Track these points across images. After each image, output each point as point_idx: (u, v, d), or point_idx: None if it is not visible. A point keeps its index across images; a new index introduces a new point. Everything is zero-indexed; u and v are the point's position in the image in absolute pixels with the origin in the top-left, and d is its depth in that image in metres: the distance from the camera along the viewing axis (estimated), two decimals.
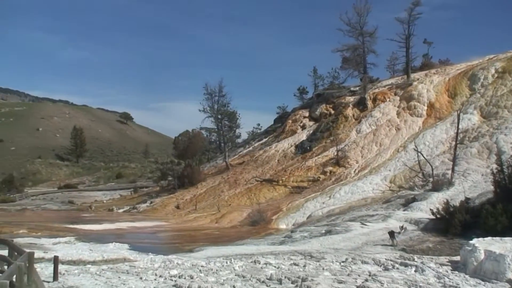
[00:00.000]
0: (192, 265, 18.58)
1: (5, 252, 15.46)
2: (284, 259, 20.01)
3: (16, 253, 13.13)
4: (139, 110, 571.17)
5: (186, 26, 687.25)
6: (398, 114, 57.95)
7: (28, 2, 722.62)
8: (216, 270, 17.27)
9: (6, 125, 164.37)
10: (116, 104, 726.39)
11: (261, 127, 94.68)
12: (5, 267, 14.23)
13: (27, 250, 11.94)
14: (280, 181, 53.03)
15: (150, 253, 23.14)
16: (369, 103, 62.39)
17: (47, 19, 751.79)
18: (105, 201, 72.32)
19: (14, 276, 9.42)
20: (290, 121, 70.11)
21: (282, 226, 38.65)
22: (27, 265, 10.15)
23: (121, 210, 57.99)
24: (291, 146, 62.62)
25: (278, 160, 60.36)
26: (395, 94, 62.25)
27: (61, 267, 16.81)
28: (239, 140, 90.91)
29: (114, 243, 27.26)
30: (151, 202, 59.24)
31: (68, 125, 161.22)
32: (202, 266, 18.32)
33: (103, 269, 17.77)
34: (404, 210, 32.48)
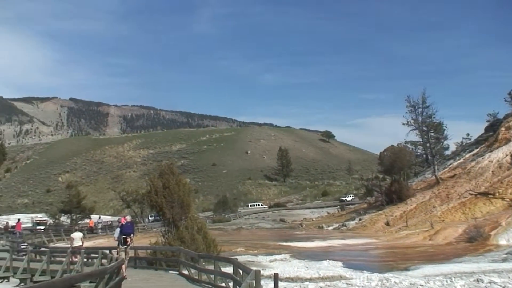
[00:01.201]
0: (411, 284, 17.96)
1: (229, 270, 16.27)
2: (509, 277, 18.54)
3: (241, 271, 13.68)
4: (340, 128, 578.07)
5: (379, 39, 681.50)
6: None
7: (226, 33, 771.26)
8: None
9: (218, 150, 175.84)
10: (317, 124, 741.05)
11: (471, 137, 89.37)
12: (230, 284, 14.95)
13: (253, 268, 12.39)
14: (497, 194, 49.55)
15: (364, 271, 22.86)
16: None
17: (246, 47, 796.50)
18: (314, 219, 73.54)
19: None
20: (503, 129, 65.24)
21: (502, 242, 35.98)
22: (254, 282, 10.50)
23: (330, 228, 58.44)
24: (506, 155, 58.19)
25: (492, 171, 56.43)
26: None
27: (280, 284, 17.21)
28: (447, 152, 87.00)
29: (328, 260, 27.42)
30: (359, 219, 58.86)
31: (274, 146, 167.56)
32: (421, 285, 17.62)
33: (320, 287, 17.90)
34: None
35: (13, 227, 53.99)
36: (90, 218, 66.76)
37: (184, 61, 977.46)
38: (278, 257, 29.76)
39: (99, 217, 68.10)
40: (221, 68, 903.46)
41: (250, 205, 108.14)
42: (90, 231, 56.51)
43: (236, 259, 17.17)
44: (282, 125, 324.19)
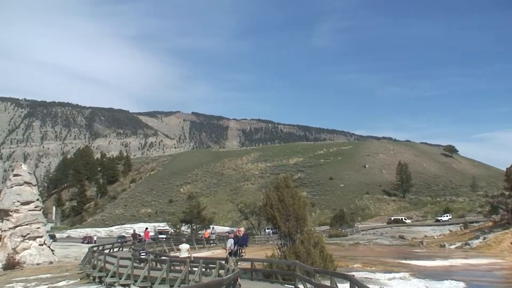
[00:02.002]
0: None
1: (345, 286, 15.97)
2: None
3: None
4: (463, 142, 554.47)
5: (506, 50, 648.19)
6: None
7: (345, 46, 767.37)
8: None
9: (335, 163, 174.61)
10: (438, 138, 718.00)
11: None
12: None
13: (370, 286, 12.07)
14: None
15: None
16: None
17: (365, 60, 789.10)
18: (435, 237, 70.93)
19: None
20: None
21: None
22: None
23: (452, 246, 56.00)
24: None
25: None
26: None
27: None
28: None
29: (449, 280, 26.18)
30: (484, 238, 55.90)
31: (393, 161, 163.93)
32: None
33: None
34: None
35: (137, 235, 56.53)
36: (208, 228, 68.51)
37: (302, 75, 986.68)
38: (397, 275, 28.81)
39: (213, 228, 69.66)
40: (339, 82, 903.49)
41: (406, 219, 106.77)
42: (205, 242, 58.00)
43: (353, 275, 16.83)
44: (401, 139, 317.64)
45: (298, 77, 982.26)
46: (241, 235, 19.88)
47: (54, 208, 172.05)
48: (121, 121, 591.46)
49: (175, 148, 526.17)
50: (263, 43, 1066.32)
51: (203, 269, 21.76)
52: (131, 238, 57.22)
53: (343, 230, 78.23)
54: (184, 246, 27.34)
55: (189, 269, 21.54)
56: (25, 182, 50.13)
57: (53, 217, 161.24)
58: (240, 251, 19.64)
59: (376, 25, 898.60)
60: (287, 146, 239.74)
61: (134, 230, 65.02)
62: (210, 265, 22.70)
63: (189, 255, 26.65)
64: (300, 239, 24.77)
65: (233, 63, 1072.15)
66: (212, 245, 57.63)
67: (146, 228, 58.28)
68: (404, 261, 38.49)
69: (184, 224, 70.44)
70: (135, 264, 25.44)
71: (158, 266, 26.70)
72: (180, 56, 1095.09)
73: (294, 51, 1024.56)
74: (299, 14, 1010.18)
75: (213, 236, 62.11)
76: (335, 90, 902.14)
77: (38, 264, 45.32)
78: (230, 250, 19.60)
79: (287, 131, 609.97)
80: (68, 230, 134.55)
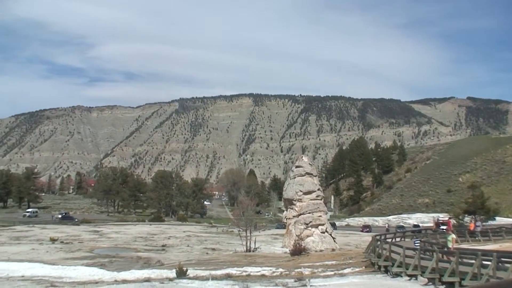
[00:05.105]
0: None
1: None
2: None
3: None
4: None
5: None
6: None
7: None
8: None
9: None
10: None
11: None
12: None
13: None
14: None
15: None
16: None
17: None
18: None
19: None
20: None
21: None
22: None
23: None
24: None
25: None
26: None
27: None
28: None
29: None
30: None
31: None
32: None
33: None
34: None
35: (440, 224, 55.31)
36: (491, 220, 64.13)
37: None
38: None
39: (477, 221, 64.68)
40: None
41: None
42: (470, 234, 54.10)
43: None
44: None
45: None
46: None
47: (332, 197, 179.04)
48: (393, 110, 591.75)
49: (450, 135, 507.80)
50: None
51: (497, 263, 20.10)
52: (434, 226, 56.83)
53: None
54: (449, 237, 28.65)
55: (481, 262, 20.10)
56: (306, 173, 52.70)
57: (332, 206, 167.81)
58: None
59: None
60: None
61: (437, 218, 63.69)
62: (503, 259, 20.98)
63: (452, 246, 27.17)
64: None
65: None
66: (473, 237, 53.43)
67: (449, 218, 56.93)
68: None
69: (467, 215, 66.93)
70: (421, 255, 24.80)
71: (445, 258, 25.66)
72: (452, 39, 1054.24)
73: None
74: None
75: (478, 229, 57.69)
76: None
77: (321, 250, 47.25)
78: None
79: None
80: (347, 219, 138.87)
